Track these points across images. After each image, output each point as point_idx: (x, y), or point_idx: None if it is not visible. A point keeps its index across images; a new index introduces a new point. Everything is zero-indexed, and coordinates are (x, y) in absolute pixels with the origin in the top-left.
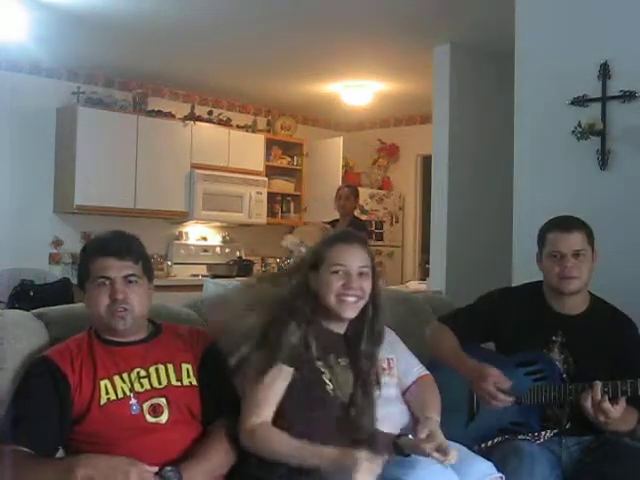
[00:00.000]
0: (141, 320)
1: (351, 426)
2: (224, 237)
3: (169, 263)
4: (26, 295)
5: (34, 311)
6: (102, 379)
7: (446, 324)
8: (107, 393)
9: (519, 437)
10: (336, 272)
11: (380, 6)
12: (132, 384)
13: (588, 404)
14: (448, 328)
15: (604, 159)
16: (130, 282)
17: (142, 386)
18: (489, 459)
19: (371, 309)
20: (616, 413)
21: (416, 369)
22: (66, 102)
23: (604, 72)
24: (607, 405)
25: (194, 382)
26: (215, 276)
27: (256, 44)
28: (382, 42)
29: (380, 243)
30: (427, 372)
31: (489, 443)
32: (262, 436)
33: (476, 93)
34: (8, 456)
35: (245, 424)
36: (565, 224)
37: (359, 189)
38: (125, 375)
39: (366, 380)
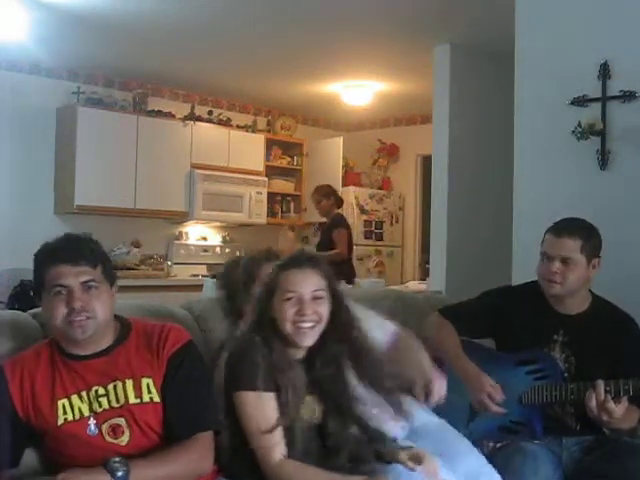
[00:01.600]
0: (105, 327)
1: (331, 454)
2: (224, 237)
3: (169, 263)
4: (26, 295)
5: (30, 311)
6: (60, 399)
7: (447, 318)
8: (65, 413)
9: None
10: (289, 299)
11: (380, 6)
12: (91, 404)
13: (593, 404)
14: (449, 323)
15: (604, 159)
16: (89, 288)
17: (100, 405)
18: (493, 460)
19: (333, 332)
20: (619, 412)
21: (385, 330)
22: (66, 102)
23: (604, 72)
24: (611, 405)
25: (155, 398)
26: (215, 276)
27: (256, 44)
28: (382, 42)
29: (380, 243)
30: (397, 330)
31: (491, 444)
32: (291, 472)
33: (476, 93)
34: None
35: (266, 461)
36: (559, 228)
37: (360, 189)
38: (84, 393)
39: (340, 404)
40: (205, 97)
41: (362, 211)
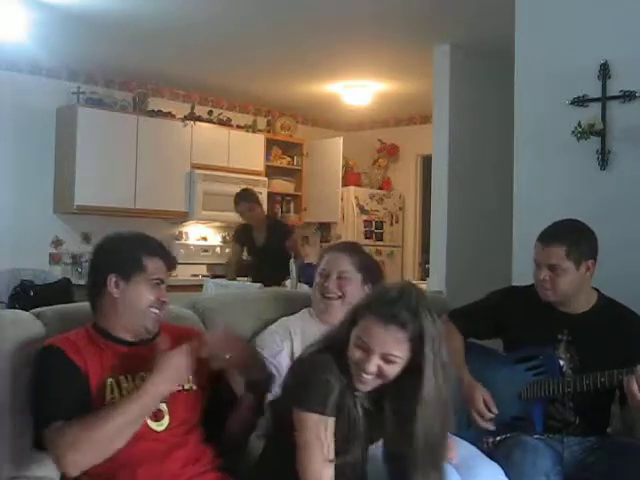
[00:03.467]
0: None
1: None
2: (224, 237)
3: None
4: (26, 295)
5: (33, 310)
6: (108, 377)
7: (454, 322)
8: (112, 392)
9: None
10: (359, 346)
11: (380, 6)
12: (137, 387)
13: (634, 388)
14: (455, 327)
15: (604, 159)
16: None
17: None
18: (493, 456)
19: (394, 391)
20: None
21: None
22: (66, 102)
23: (604, 72)
24: None
25: (194, 387)
26: (215, 276)
27: (256, 44)
28: (382, 42)
29: (380, 243)
30: None
31: (490, 440)
32: None
33: (476, 93)
34: (67, 427)
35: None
36: (547, 236)
37: (360, 189)
38: (130, 376)
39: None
40: (205, 97)
41: (362, 211)
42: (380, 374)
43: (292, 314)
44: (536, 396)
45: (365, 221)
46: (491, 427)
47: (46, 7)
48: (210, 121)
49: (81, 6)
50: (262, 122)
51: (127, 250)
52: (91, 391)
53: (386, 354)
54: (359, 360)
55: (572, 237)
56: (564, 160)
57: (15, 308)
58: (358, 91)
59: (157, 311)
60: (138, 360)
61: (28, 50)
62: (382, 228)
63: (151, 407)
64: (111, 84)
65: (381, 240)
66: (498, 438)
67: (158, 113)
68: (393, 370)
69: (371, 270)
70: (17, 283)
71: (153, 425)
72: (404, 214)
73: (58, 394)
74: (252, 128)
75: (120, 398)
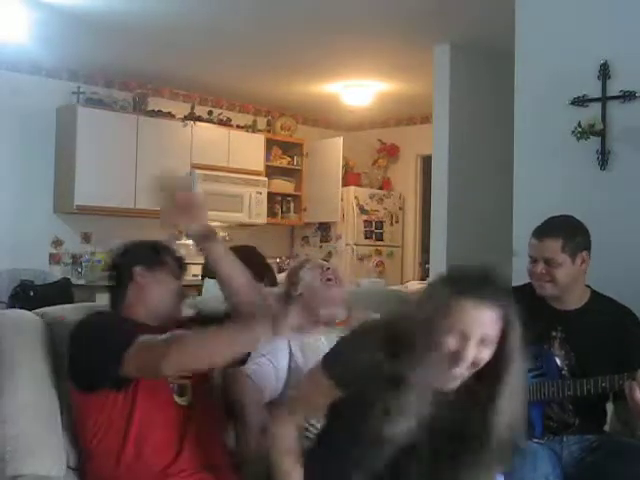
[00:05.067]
0: None
1: None
2: (224, 237)
3: None
4: (26, 295)
5: (36, 310)
6: None
7: None
8: None
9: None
10: (451, 334)
11: (380, 6)
12: None
13: (637, 395)
14: None
15: (604, 159)
16: None
17: None
18: None
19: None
20: None
21: None
22: (66, 102)
23: (604, 72)
24: None
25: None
26: (214, 276)
27: (256, 44)
28: (382, 42)
29: (380, 243)
30: None
31: None
32: None
33: (476, 93)
34: (165, 337)
35: None
36: (540, 231)
37: (360, 189)
38: None
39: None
40: (205, 97)
41: (362, 211)
42: (474, 362)
43: None
44: (535, 398)
45: (365, 221)
46: None
47: (46, 7)
48: (210, 121)
49: (81, 6)
50: (262, 122)
51: (148, 248)
52: None
53: (484, 336)
54: (455, 349)
55: (566, 231)
56: (564, 160)
57: (15, 308)
58: (358, 91)
59: (180, 301)
60: None
61: (28, 50)
62: (382, 228)
63: (252, 343)
64: (111, 84)
65: (381, 240)
66: None
67: (158, 113)
68: (485, 356)
69: None
70: (17, 283)
71: (177, 399)
72: (404, 214)
73: (129, 328)
74: (252, 128)
75: None
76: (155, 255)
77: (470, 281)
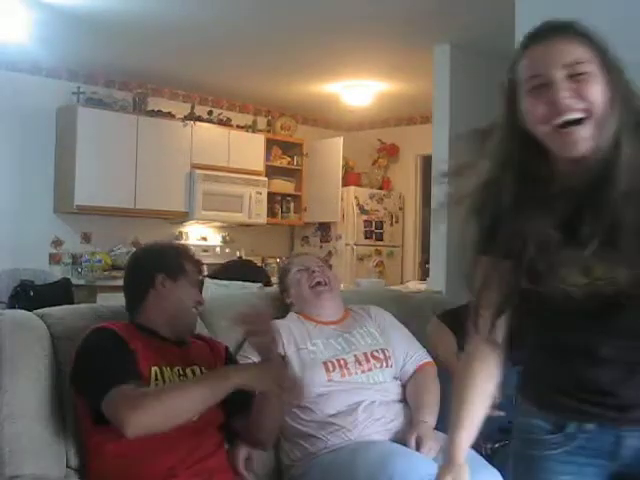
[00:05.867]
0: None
1: None
2: (224, 237)
3: None
4: (26, 295)
5: (36, 311)
6: (153, 366)
7: (446, 323)
8: (156, 379)
9: None
10: (536, 87)
11: (380, 6)
12: (175, 378)
13: None
14: (447, 328)
15: None
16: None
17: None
18: (492, 462)
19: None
20: None
21: (416, 356)
22: (66, 102)
23: None
24: None
25: None
26: (214, 277)
27: (256, 44)
28: (382, 42)
29: (380, 243)
30: (428, 358)
31: (489, 446)
32: None
33: (476, 93)
34: (135, 390)
35: None
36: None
37: (360, 189)
38: (169, 368)
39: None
40: (205, 97)
41: (362, 211)
42: (579, 95)
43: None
44: None
45: (365, 221)
46: (500, 413)
47: (47, 7)
48: (210, 121)
49: (81, 6)
50: (262, 122)
51: (171, 254)
52: (141, 372)
53: (569, 64)
54: (546, 105)
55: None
56: None
57: (15, 308)
58: (358, 91)
59: (197, 311)
60: (175, 356)
61: (29, 50)
62: (382, 228)
63: (221, 392)
64: (111, 84)
65: (381, 240)
66: (497, 445)
67: (158, 113)
68: (591, 87)
69: None
70: (17, 283)
71: None
72: (404, 214)
73: (117, 364)
74: (252, 128)
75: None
76: (178, 263)
77: (535, 30)
